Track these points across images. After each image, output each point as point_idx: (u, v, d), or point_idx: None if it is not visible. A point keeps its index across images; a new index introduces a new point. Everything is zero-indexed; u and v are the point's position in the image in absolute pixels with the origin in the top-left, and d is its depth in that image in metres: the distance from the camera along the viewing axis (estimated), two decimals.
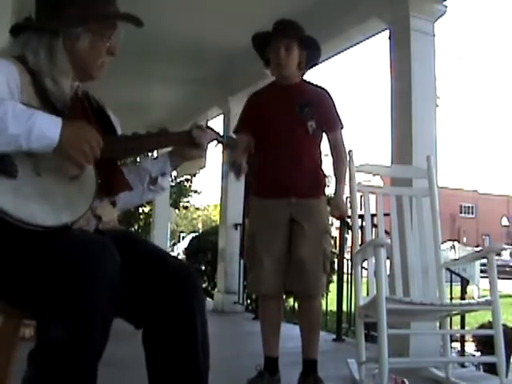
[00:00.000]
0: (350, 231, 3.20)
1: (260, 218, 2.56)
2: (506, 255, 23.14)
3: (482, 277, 10.42)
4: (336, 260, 4.51)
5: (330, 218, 2.74)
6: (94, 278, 1.12)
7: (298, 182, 2.47)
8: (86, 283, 1.11)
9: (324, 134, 2.59)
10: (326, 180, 2.65)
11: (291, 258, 2.47)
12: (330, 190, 2.78)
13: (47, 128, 1.17)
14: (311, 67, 2.64)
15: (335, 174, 2.61)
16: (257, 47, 2.62)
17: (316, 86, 2.62)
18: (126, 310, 1.30)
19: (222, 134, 1.60)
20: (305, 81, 2.63)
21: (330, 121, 2.57)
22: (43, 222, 1.19)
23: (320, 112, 2.51)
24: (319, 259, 2.45)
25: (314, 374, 2.46)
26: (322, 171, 2.60)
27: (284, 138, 2.47)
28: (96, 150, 1.23)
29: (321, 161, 2.61)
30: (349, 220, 3.34)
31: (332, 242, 2.70)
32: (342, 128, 2.61)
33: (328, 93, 2.60)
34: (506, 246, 22.89)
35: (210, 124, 1.61)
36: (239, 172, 2.37)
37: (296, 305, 5.48)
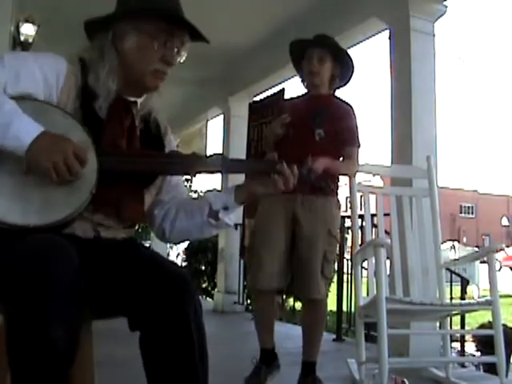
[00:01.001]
0: (349, 231, 3.20)
1: (263, 214, 2.56)
2: None
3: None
4: (336, 260, 4.51)
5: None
6: (44, 283, 1.07)
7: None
8: (37, 290, 1.06)
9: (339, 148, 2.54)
10: (339, 182, 2.62)
11: (293, 259, 2.46)
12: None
13: (25, 130, 1.15)
14: (343, 85, 2.64)
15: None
16: (292, 55, 2.65)
17: (344, 102, 2.61)
18: (123, 310, 1.30)
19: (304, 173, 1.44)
20: (334, 96, 2.63)
21: (347, 137, 2.53)
22: (5, 218, 1.16)
23: (337, 126, 2.49)
24: (317, 262, 2.41)
25: (312, 374, 2.46)
26: (335, 174, 2.54)
27: (293, 143, 2.45)
28: (71, 165, 1.16)
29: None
30: (349, 220, 3.34)
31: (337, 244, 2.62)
32: (358, 146, 2.56)
33: (353, 111, 2.59)
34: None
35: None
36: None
37: (296, 305, 5.50)
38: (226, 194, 1.44)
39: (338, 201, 2.59)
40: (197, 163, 1.37)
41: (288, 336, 2.96)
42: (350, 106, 2.60)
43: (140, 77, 1.35)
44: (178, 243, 1.53)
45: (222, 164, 1.38)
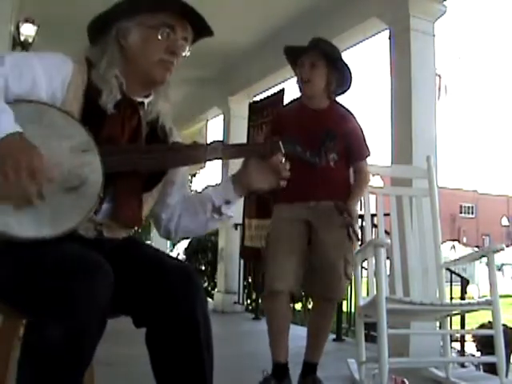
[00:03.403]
0: None
1: (274, 222, 2.54)
2: None
3: None
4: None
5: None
6: (85, 299, 1.09)
7: (317, 187, 2.41)
8: (77, 302, 1.09)
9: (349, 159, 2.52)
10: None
11: (310, 263, 2.43)
12: None
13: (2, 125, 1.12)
14: (343, 92, 2.56)
15: (352, 190, 2.50)
16: (288, 60, 2.58)
17: (345, 109, 2.54)
18: (127, 309, 1.30)
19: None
20: (335, 102, 2.54)
21: (357, 151, 2.50)
22: (20, 233, 1.15)
23: (346, 143, 2.41)
24: (340, 265, 2.39)
25: (313, 374, 2.45)
26: (348, 180, 2.53)
27: (307, 171, 2.42)
28: (22, 179, 1.09)
29: (347, 171, 2.53)
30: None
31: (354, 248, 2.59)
32: (368, 156, 2.55)
33: (356, 119, 2.54)
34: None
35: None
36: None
37: (297, 306, 5.50)
38: (226, 188, 1.46)
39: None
40: (198, 152, 1.39)
41: (289, 336, 2.93)
42: (352, 114, 2.54)
43: (147, 69, 1.35)
44: (183, 239, 1.56)
45: (223, 149, 1.40)
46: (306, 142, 2.35)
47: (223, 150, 1.40)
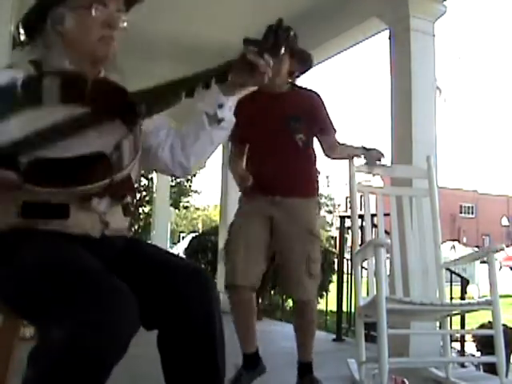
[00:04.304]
0: (349, 231, 3.20)
1: (241, 212, 2.55)
2: None
3: None
4: (336, 260, 4.50)
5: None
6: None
7: (283, 182, 2.43)
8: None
9: (317, 140, 2.56)
10: (319, 183, 2.62)
11: (278, 263, 2.45)
12: (327, 191, 2.74)
13: None
14: (303, 73, 2.59)
15: (341, 149, 2.58)
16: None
17: (306, 90, 2.56)
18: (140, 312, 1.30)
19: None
20: (294, 86, 2.56)
21: (323, 129, 2.53)
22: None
23: (311, 121, 2.47)
24: (302, 263, 2.38)
25: (310, 374, 2.44)
26: (315, 174, 2.57)
27: (271, 150, 2.44)
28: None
29: (314, 164, 2.57)
30: (349, 220, 3.34)
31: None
32: (335, 132, 2.58)
33: (319, 98, 2.55)
34: None
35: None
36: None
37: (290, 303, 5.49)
38: (213, 93, 1.40)
39: (319, 202, 2.58)
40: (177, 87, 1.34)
41: (287, 336, 2.94)
42: (316, 93, 2.55)
43: (89, 49, 1.35)
44: (198, 169, 1.48)
45: (205, 73, 1.35)
46: (266, 126, 2.39)
47: (205, 73, 1.35)
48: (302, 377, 2.44)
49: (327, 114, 2.55)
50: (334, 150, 2.59)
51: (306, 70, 2.60)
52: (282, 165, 2.44)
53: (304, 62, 2.54)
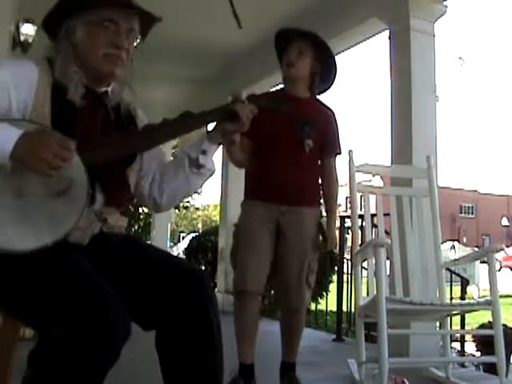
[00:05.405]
0: (349, 231, 3.21)
1: (246, 218, 2.51)
2: None
3: None
4: (336, 260, 4.50)
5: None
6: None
7: (290, 191, 2.42)
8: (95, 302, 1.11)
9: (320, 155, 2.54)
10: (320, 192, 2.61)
11: (277, 270, 2.44)
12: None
13: (4, 137, 1.16)
14: (325, 89, 2.57)
15: (326, 202, 2.55)
16: (276, 47, 2.56)
17: (325, 106, 2.56)
18: (134, 313, 1.30)
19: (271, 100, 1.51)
20: (315, 99, 2.56)
21: (329, 146, 2.52)
22: (23, 247, 1.17)
23: (322, 134, 2.46)
24: (302, 273, 2.39)
25: (290, 373, 2.45)
26: (319, 184, 2.56)
27: (281, 151, 2.43)
28: (62, 156, 1.17)
29: (318, 173, 2.55)
30: (349, 220, 3.34)
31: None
32: (339, 153, 2.57)
33: (334, 116, 2.56)
34: None
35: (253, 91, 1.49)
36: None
37: None
38: (200, 141, 1.48)
39: (321, 212, 2.58)
40: (170, 129, 1.41)
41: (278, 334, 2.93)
42: (332, 112, 2.56)
43: (95, 64, 1.39)
44: (169, 208, 1.57)
45: (195, 118, 1.43)
46: (279, 122, 2.37)
47: (195, 118, 1.42)
48: (282, 376, 2.45)
49: (338, 134, 2.55)
50: (330, 175, 2.54)
51: (329, 78, 2.54)
52: (292, 173, 2.42)
53: (328, 66, 2.49)
